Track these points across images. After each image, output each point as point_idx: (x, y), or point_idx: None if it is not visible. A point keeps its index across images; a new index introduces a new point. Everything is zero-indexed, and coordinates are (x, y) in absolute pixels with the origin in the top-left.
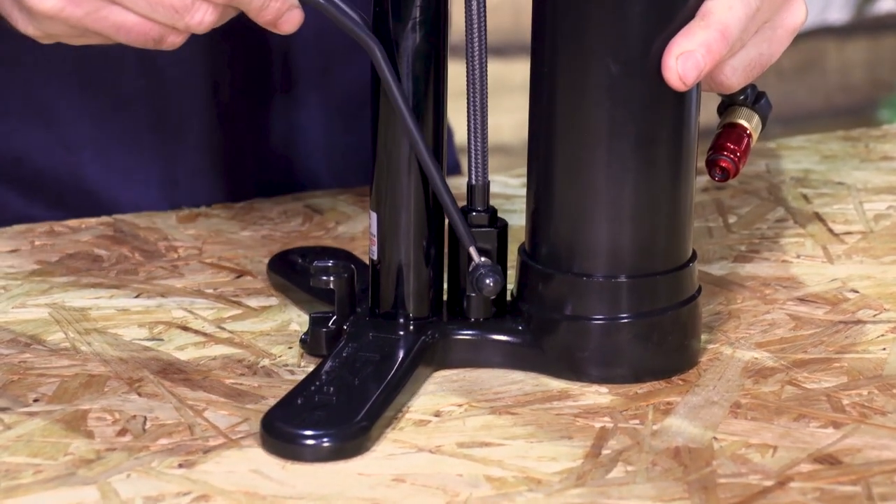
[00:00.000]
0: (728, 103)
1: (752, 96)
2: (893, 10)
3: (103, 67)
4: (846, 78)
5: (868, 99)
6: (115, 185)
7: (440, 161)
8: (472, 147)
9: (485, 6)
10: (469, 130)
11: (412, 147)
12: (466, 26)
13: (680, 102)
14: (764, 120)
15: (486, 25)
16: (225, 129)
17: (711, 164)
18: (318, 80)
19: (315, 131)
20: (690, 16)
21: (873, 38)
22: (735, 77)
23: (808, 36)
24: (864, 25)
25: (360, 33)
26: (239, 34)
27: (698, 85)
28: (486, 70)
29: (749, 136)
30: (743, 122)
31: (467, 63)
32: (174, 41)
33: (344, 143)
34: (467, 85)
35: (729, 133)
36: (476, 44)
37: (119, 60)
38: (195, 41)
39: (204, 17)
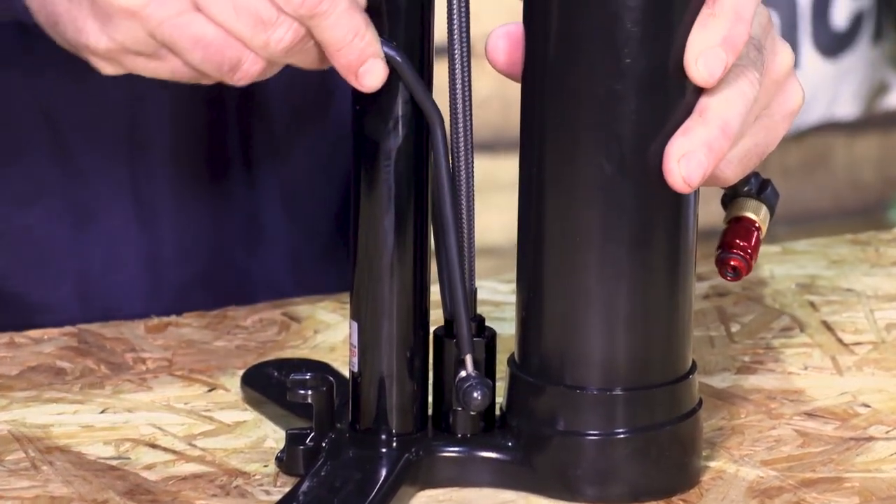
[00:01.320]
0: (732, 195)
1: (757, 185)
2: None
3: (19, 153)
4: (855, 176)
5: (879, 198)
6: (29, 279)
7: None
8: None
9: (470, 101)
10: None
11: (442, 240)
12: (451, 122)
13: (677, 203)
14: (772, 210)
15: (472, 120)
16: (146, 225)
17: (721, 264)
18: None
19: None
20: (687, 112)
21: (884, 134)
22: (730, 170)
23: (816, 132)
24: (875, 121)
25: (427, 104)
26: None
27: None
28: (473, 167)
29: (758, 229)
30: (750, 214)
31: (453, 159)
32: (249, 71)
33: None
34: (453, 181)
35: (737, 229)
36: (462, 140)
37: (35, 148)
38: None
39: (285, 36)
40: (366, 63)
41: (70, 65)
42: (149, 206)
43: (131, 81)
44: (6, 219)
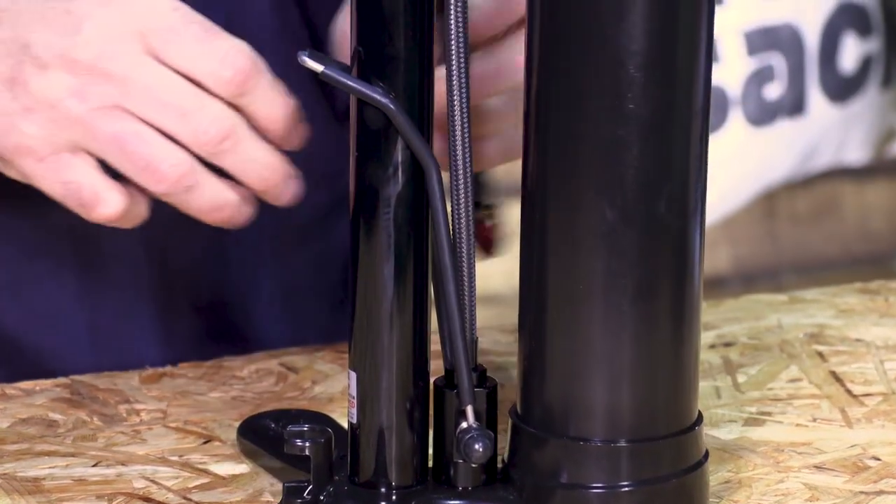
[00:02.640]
0: None
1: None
2: None
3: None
4: (865, 224)
5: (889, 247)
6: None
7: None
8: None
9: (470, 147)
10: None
11: (442, 289)
12: (451, 169)
13: (682, 251)
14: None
15: (472, 167)
16: (154, 269)
17: None
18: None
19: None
20: (692, 158)
21: (894, 181)
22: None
23: (824, 178)
24: (885, 168)
25: (422, 152)
26: None
27: (701, 232)
28: (473, 214)
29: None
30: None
31: (452, 207)
32: (168, 173)
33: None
34: (453, 230)
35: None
36: (461, 187)
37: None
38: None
39: (210, 128)
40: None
41: None
42: (158, 254)
43: None
44: (16, 268)
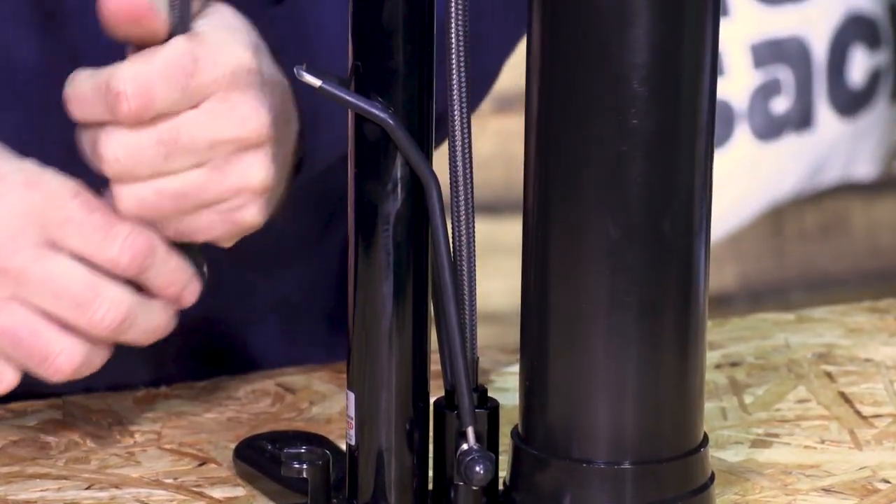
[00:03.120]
0: None
1: None
2: None
3: None
4: (874, 240)
5: None
6: None
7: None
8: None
9: (471, 161)
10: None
11: (442, 308)
12: (451, 184)
13: (687, 268)
14: None
15: (472, 182)
16: None
17: None
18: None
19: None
20: (696, 174)
21: None
22: None
23: (833, 194)
24: (894, 183)
25: (421, 167)
26: None
27: (707, 250)
28: (474, 230)
29: None
30: None
31: (453, 222)
32: (62, 366)
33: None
34: (453, 247)
35: None
36: (462, 202)
37: None
38: None
39: (107, 315)
40: (185, 289)
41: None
42: None
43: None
44: None
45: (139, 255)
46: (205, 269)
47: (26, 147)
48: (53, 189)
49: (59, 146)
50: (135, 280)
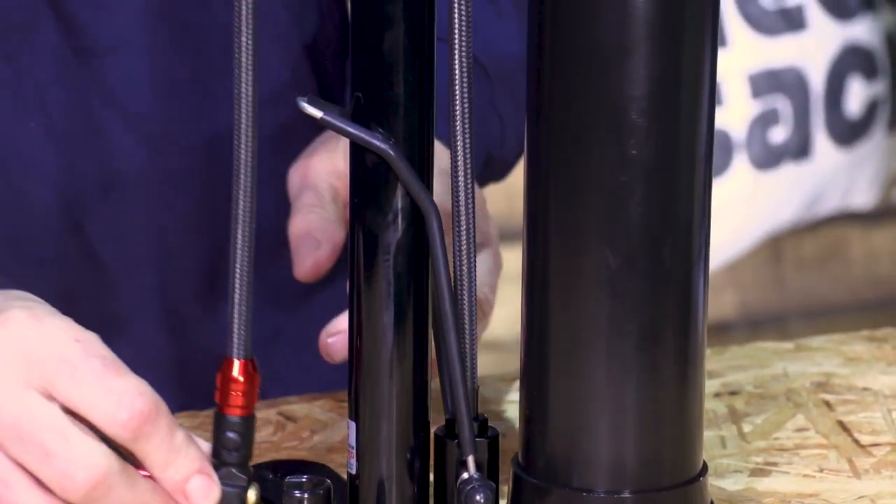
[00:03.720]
0: None
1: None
2: None
3: (49, 263)
4: (872, 269)
5: None
6: None
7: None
8: None
9: (473, 191)
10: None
11: (443, 337)
12: (454, 214)
13: (686, 297)
14: None
15: (473, 212)
16: (174, 332)
17: None
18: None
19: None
20: (695, 204)
21: None
22: None
23: (831, 222)
24: (892, 211)
25: (422, 197)
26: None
27: (705, 278)
28: (474, 259)
29: None
30: None
31: (454, 253)
32: None
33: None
34: (454, 277)
35: None
36: (464, 232)
37: (65, 258)
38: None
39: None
40: (191, 480)
41: (102, 177)
42: (176, 313)
43: (161, 188)
44: None
45: (137, 418)
46: (252, 492)
47: None
48: (56, 327)
49: None
50: (126, 448)
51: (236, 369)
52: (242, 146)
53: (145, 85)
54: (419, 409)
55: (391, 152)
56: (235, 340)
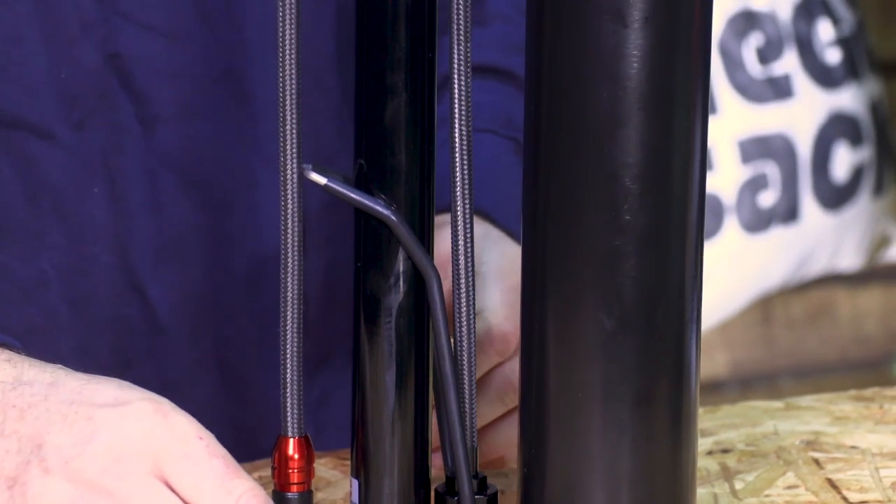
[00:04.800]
0: None
1: None
2: None
3: (109, 326)
4: (860, 329)
5: (884, 352)
6: None
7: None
8: None
9: (472, 258)
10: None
11: (443, 397)
12: (454, 278)
13: (678, 358)
14: None
15: (473, 277)
16: (230, 391)
17: None
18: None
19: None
20: (687, 268)
21: (887, 287)
22: None
23: (819, 284)
24: (878, 273)
25: (423, 262)
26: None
27: (698, 340)
28: (474, 321)
29: None
30: None
31: (454, 315)
32: None
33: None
34: (454, 338)
35: None
36: (464, 295)
37: (124, 321)
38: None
39: None
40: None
41: (162, 240)
42: (232, 371)
43: (218, 251)
44: None
45: None
46: None
47: None
48: (181, 423)
49: None
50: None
51: (291, 447)
52: (289, 219)
53: (205, 152)
54: (420, 467)
55: (393, 218)
56: (289, 419)
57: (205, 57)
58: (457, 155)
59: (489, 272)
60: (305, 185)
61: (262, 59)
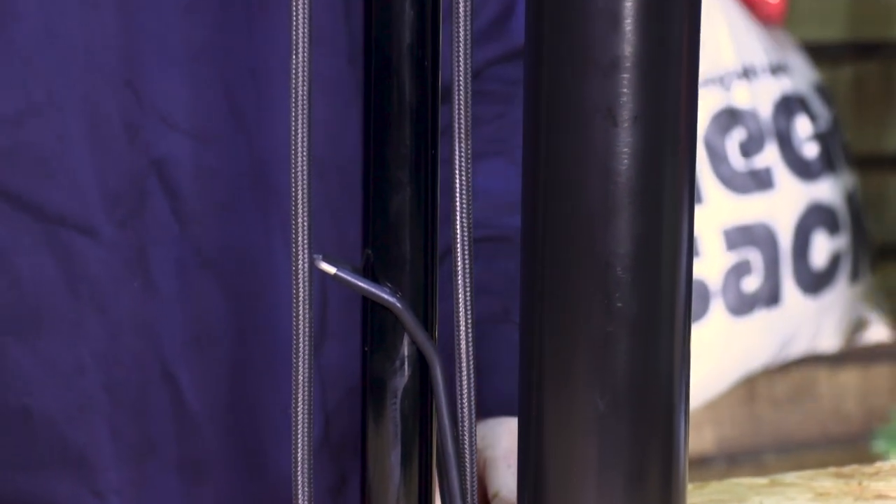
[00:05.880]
0: None
1: None
2: (883, 340)
3: (138, 412)
4: (840, 407)
5: (863, 429)
6: None
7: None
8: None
9: (473, 341)
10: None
11: (446, 477)
12: (456, 361)
13: (668, 437)
14: None
15: (473, 356)
16: (252, 475)
17: None
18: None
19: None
20: (671, 354)
21: (865, 367)
22: None
23: (800, 364)
24: (856, 355)
25: (426, 347)
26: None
27: (686, 419)
28: (474, 404)
29: None
30: None
31: (457, 395)
32: None
33: None
34: (456, 419)
35: None
36: (465, 379)
37: (155, 405)
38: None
39: None
40: None
41: (195, 330)
42: (255, 457)
43: (248, 341)
44: (118, 471)
45: None
46: None
47: None
48: None
49: None
50: None
51: None
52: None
53: (235, 245)
54: None
55: (398, 305)
56: (300, 500)
57: (237, 157)
58: (458, 252)
59: (499, 456)
60: (323, 276)
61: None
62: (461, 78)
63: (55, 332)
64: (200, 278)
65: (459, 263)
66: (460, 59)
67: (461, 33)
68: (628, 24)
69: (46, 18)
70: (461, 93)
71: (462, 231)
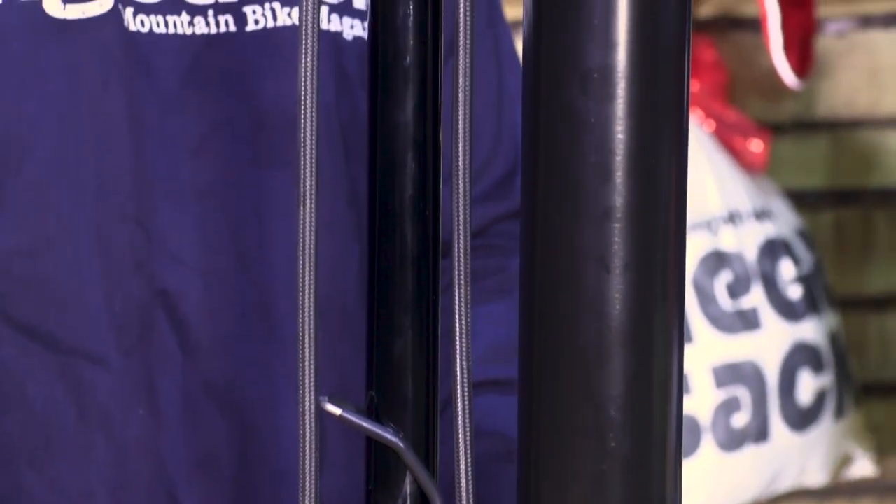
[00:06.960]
0: None
1: None
2: (868, 475)
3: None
4: None
5: None
6: None
7: None
8: None
9: (472, 462)
10: None
11: None
12: (457, 493)
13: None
14: None
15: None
16: None
17: None
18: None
19: None
20: (663, 491)
21: (851, 501)
22: None
23: (788, 498)
24: (842, 490)
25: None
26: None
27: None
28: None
29: None
30: None
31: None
32: None
33: None
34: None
35: None
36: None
37: None
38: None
39: None
40: None
41: (193, 452)
42: None
43: (246, 464)
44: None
45: None
46: None
47: None
48: None
49: None
50: None
51: None
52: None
53: (237, 377)
54: None
55: (401, 445)
56: None
57: (240, 292)
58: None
59: None
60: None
61: (290, 294)
62: (461, 229)
63: (64, 458)
64: (204, 407)
65: (459, 404)
66: (460, 209)
67: (461, 187)
68: (619, 176)
69: (61, 152)
70: (461, 244)
71: (462, 375)
